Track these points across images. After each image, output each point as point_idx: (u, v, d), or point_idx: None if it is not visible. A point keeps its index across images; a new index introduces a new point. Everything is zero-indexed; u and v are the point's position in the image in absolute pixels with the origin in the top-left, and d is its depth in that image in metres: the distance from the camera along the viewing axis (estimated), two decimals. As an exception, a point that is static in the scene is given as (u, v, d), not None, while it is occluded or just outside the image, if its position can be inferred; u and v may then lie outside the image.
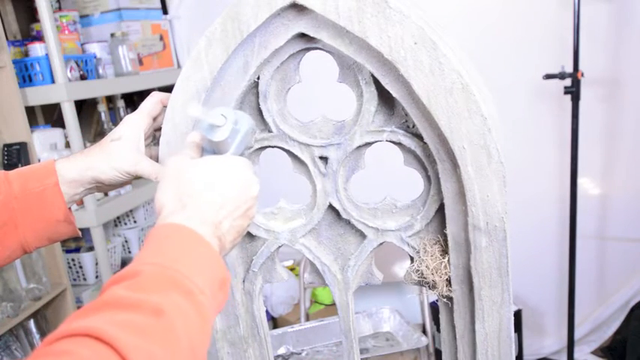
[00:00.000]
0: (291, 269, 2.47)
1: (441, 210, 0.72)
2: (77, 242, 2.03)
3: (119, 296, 0.47)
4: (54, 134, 1.88)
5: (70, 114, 1.75)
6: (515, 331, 1.68)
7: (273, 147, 0.78)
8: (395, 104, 0.72)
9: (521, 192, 1.86)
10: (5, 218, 0.70)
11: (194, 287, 0.50)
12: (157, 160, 0.78)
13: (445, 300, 0.76)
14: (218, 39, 0.70)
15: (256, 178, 0.64)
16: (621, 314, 2.15)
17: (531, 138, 2.08)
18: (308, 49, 0.73)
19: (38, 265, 1.70)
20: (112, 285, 0.48)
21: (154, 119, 0.78)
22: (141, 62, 2.20)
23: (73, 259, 1.97)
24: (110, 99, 2.22)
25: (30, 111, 1.94)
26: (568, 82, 1.75)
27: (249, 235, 0.83)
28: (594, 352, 2.22)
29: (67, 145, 1.90)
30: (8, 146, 1.66)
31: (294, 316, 2.36)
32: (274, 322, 2.42)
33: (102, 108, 2.07)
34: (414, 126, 0.71)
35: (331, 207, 0.79)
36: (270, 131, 0.77)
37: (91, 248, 1.96)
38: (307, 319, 2.06)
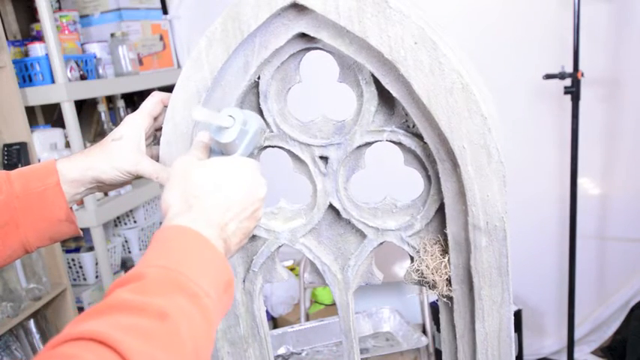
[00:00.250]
0: (291, 269, 2.47)
1: (441, 210, 0.73)
2: (77, 242, 2.03)
3: (124, 299, 0.46)
4: (54, 134, 1.88)
5: (70, 114, 1.75)
6: (515, 331, 1.67)
7: (273, 147, 0.79)
8: (395, 104, 0.72)
9: (521, 192, 1.86)
10: (7, 218, 0.70)
11: (199, 290, 0.50)
12: (157, 159, 0.78)
13: (445, 300, 0.76)
14: (218, 39, 0.70)
15: (264, 179, 0.64)
16: (621, 314, 2.15)
17: (531, 138, 2.08)
18: (308, 49, 0.73)
19: (38, 265, 1.70)
20: (116, 288, 0.48)
21: (155, 119, 0.78)
22: (141, 62, 2.20)
23: (73, 259, 1.97)
24: (110, 99, 2.22)
25: (30, 111, 1.94)
26: (568, 82, 1.75)
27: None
28: (594, 352, 2.22)
29: (67, 145, 1.90)
30: (8, 146, 1.66)
31: (294, 316, 2.36)
32: (274, 322, 2.41)
33: (102, 108, 2.07)
34: (414, 126, 0.71)
35: (331, 207, 0.79)
36: (270, 131, 0.77)
37: (91, 248, 1.96)
38: (307, 319, 2.06)
